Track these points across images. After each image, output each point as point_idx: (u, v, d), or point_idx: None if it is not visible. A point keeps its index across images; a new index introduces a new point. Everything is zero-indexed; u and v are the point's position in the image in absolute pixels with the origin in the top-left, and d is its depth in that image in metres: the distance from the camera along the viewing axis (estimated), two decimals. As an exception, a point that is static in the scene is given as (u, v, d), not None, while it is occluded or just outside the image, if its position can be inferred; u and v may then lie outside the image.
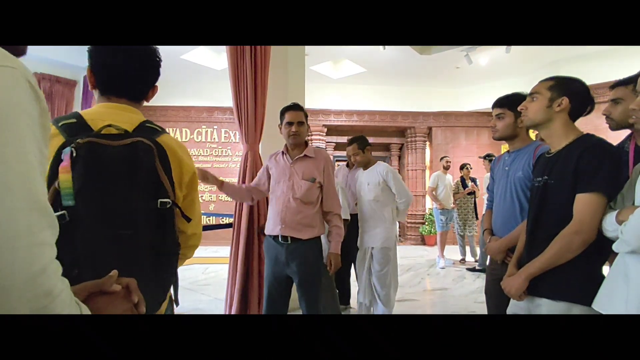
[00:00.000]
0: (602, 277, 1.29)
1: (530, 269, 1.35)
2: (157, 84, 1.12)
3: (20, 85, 0.48)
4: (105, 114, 1.00)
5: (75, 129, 0.93)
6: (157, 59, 1.08)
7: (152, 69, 1.08)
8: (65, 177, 0.86)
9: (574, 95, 1.38)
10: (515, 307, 1.48)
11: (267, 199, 2.75)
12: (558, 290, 1.30)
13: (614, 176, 1.26)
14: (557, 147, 1.40)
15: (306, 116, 2.23)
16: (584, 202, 1.26)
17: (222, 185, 2.24)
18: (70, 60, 5.92)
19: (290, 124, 2.17)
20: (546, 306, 1.33)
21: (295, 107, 2.21)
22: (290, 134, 2.16)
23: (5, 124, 0.45)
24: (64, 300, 0.48)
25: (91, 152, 0.90)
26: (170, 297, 1.13)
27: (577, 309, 1.27)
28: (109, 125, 0.95)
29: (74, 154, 0.87)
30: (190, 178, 1.10)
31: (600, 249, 1.28)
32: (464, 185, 5.89)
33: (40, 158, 0.49)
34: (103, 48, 1.00)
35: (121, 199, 0.93)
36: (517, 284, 1.36)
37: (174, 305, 1.19)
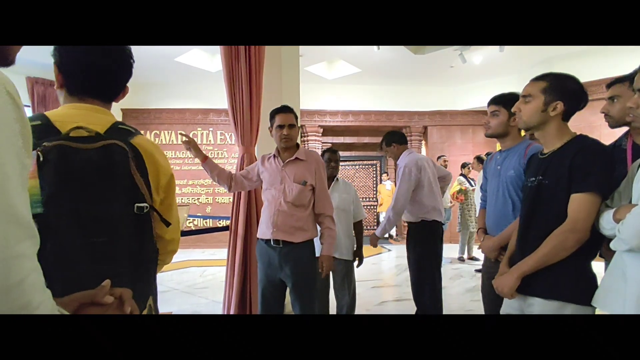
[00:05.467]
0: (593, 275, 1.31)
1: (522, 268, 1.35)
2: (131, 84, 1.07)
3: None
4: (75, 116, 0.94)
5: (41, 131, 0.86)
6: (131, 60, 1.04)
7: (125, 69, 1.03)
8: (31, 183, 0.79)
9: (568, 97, 1.37)
10: (508, 307, 1.49)
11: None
12: (550, 289, 1.31)
13: (608, 176, 1.27)
14: (551, 147, 1.40)
15: (296, 118, 2.20)
16: (578, 202, 1.27)
17: (205, 160, 2.33)
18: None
19: (281, 127, 2.13)
20: (538, 305, 1.33)
21: (285, 110, 2.17)
22: (282, 137, 2.13)
23: None
24: (43, 312, 0.47)
25: (61, 156, 0.85)
26: (150, 306, 1.06)
27: (569, 308, 1.28)
28: (79, 128, 0.89)
29: (41, 159, 0.82)
30: (168, 181, 1.06)
31: (591, 248, 1.30)
32: (469, 182, 5.92)
33: (20, 169, 0.48)
34: (76, 47, 0.95)
35: (95, 204, 0.87)
36: (510, 283, 1.36)
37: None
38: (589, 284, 1.28)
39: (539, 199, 1.39)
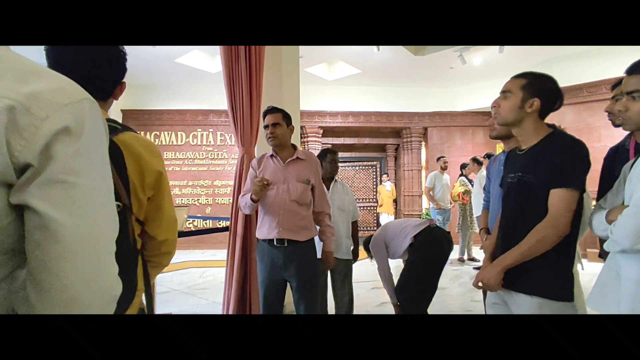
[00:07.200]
0: (572, 274, 1.36)
1: (506, 261, 1.38)
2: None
3: (100, 115, 0.57)
4: None
5: None
6: (120, 54, 1.01)
7: (114, 66, 1.01)
8: None
9: (545, 95, 1.41)
10: (493, 297, 1.53)
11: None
12: (532, 285, 1.35)
13: (585, 171, 1.32)
14: (529, 144, 1.44)
15: (285, 117, 2.20)
16: (558, 197, 1.31)
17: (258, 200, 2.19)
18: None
19: (266, 127, 2.19)
20: (521, 300, 1.38)
21: (270, 110, 2.21)
22: (268, 136, 2.18)
23: (97, 151, 0.55)
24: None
25: None
26: (142, 309, 1.04)
27: (548, 304, 1.32)
28: None
29: None
30: (155, 179, 1.02)
31: (571, 247, 1.35)
32: (470, 182, 5.93)
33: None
34: (61, 47, 0.94)
35: None
36: (494, 276, 1.39)
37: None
38: (570, 282, 1.33)
39: (519, 195, 1.43)
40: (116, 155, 0.91)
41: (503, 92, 1.47)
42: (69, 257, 0.50)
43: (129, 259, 0.97)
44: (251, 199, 2.13)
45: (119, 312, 0.91)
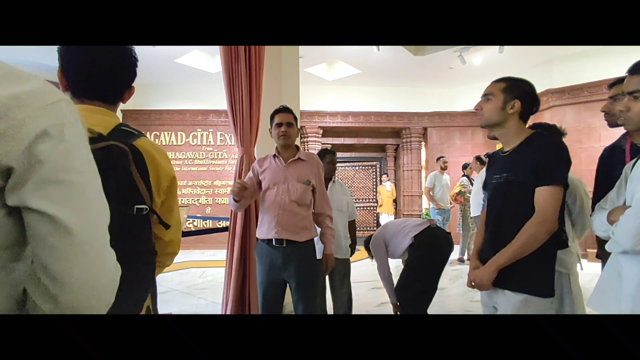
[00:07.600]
0: (553, 270, 1.41)
1: (500, 260, 1.41)
2: (134, 84, 1.06)
3: (78, 114, 0.58)
4: None
5: None
6: (133, 59, 1.03)
7: (127, 70, 1.02)
8: None
9: (524, 97, 1.46)
10: (485, 296, 1.57)
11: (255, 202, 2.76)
12: (515, 282, 1.39)
13: (567, 168, 1.39)
14: (512, 145, 1.49)
15: (295, 119, 2.24)
16: (545, 195, 1.35)
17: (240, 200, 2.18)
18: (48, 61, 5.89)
19: (279, 125, 2.19)
20: (506, 297, 1.42)
21: (284, 109, 2.22)
22: (280, 134, 2.18)
23: (82, 148, 0.57)
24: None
25: None
26: (149, 308, 1.08)
27: (531, 300, 1.37)
28: None
29: None
30: (169, 183, 1.06)
31: (553, 244, 1.39)
32: (471, 184, 5.92)
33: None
34: (74, 48, 0.94)
35: None
36: (488, 275, 1.43)
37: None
38: (551, 278, 1.38)
39: (506, 195, 1.46)
40: (139, 160, 0.93)
41: (485, 95, 1.52)
42: (78, 251, 0.53)
43: (149, 260, 1.02)
44: (233, 198, 2.12)
45: (136, 310, 0.97)
